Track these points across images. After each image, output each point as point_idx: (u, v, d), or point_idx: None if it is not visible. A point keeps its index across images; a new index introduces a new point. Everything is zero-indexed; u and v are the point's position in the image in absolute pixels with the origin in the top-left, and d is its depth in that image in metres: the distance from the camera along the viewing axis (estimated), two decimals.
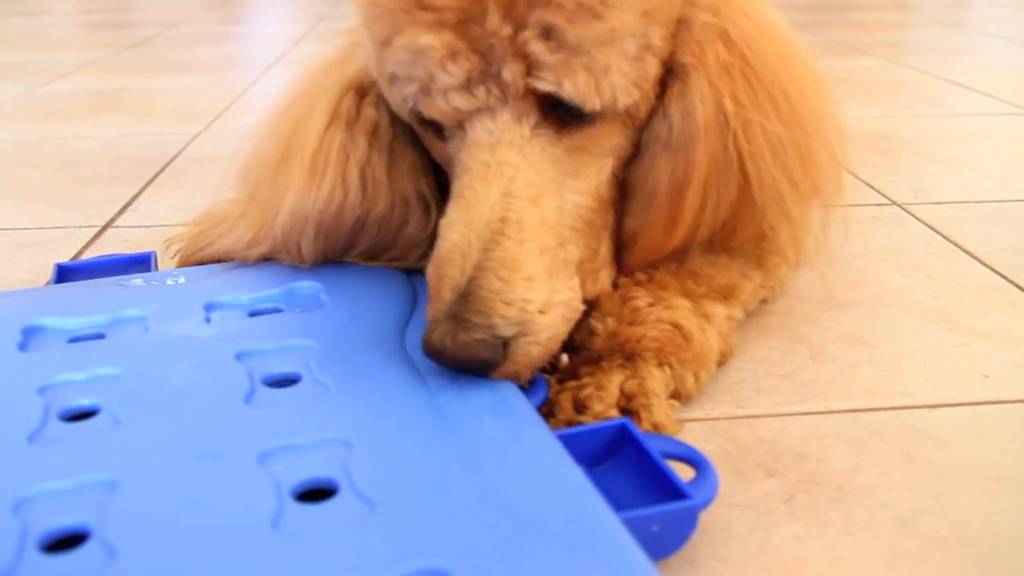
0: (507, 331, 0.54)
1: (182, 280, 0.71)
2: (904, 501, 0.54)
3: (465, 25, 0.55)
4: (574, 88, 0.56)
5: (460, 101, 0.57)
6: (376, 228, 0.69)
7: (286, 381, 0.57)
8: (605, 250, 0.65)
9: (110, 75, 2.00)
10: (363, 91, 0.69)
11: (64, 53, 2.33)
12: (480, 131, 0.58)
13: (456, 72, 0.56)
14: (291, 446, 0.49)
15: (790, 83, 0.64)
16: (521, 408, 0.53)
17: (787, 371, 0.68)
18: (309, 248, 0.69)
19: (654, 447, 0.51)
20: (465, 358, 0.54)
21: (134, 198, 1.11)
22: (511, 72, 0.56)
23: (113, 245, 0.95)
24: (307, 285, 0.69)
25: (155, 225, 1.01)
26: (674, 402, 0.59)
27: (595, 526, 0.43)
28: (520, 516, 0.43)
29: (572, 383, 0.58)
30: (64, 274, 0.77)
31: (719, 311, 0.65)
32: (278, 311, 0.67)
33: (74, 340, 0.63)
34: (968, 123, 1.48)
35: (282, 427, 0.51)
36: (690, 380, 0.61)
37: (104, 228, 1.01)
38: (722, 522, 0.52)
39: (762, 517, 0.52)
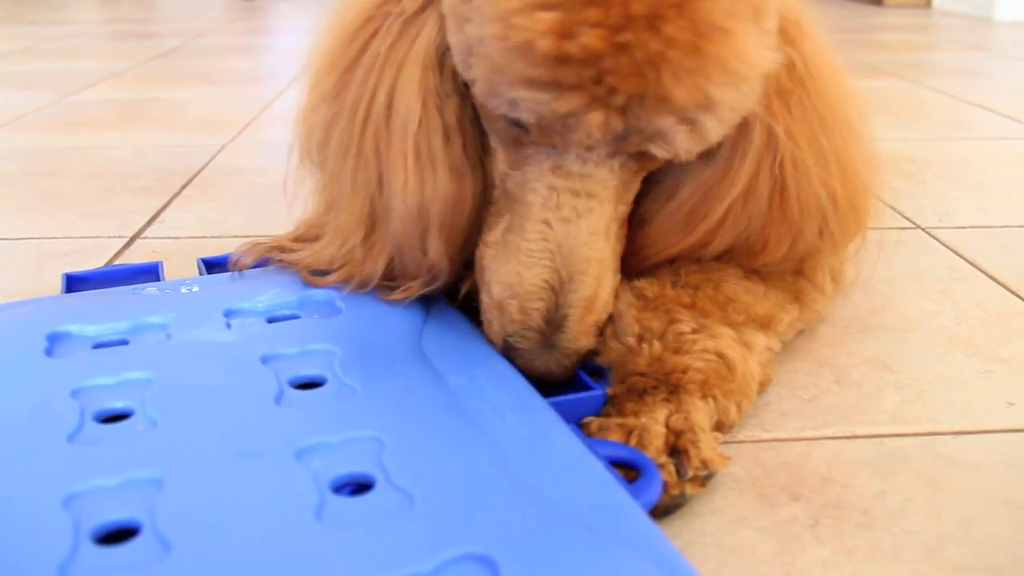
0: (588, 347, 0.62)
1: (196, 289, 0.72)
2: (930, 529, 0.54)
3: (626, 99, 0.53)
4: (687, 153, 0.57)
5: (576, 138, 0.56)
6: (478, 212, 0.66)
7: (312, 383, 0.59)
8: None
9: (136, 85, 2.02)
10: (442, 62, 0.62)
11: (91, 63, 2.35)
12: (574, 159, 0.58)
13: (598, 136, 0.55)
14: (325, 444, 0.51)
15: (840, 107, 0.66)
16: (539, 406, 0.56)
17: (811, 395, 0.69)
18: (437, 249, 0.65)
19: (600, 452, 0.53)
20: (563, 377, 0.61)
21: (162, 209, 1.13)
22: (639, 139, 0.56)
23: (142, 255, 0.96)
24: (322, 293, 0.70)
25: (183, 237, 1.02)
26: (718, 434, 0.59)
27: (621, 513, 0.46)
28: (551, 505, 0.46)
29: (617, 419, 0.58)
30: (72, 283, 0.78)
31: (759, 340, 0.65)
32: (296, 317, 0.68)
33: (98, 346, 0.64)
34: (992, 146, 1.48)
35: (315, 426, 0.53)
36: (733, 411, 0.61)
37: (132, 239, 1.02)
38: (748, 546, 0.52)
39: (788, 542, 0.52)
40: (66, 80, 2.07)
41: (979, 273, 0.93)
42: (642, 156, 0.59)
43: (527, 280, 0.60)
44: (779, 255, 0.68)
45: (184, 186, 1.23)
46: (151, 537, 0.43)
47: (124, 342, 0.64)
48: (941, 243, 1.01)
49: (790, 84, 0.63)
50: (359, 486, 0.48)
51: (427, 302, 0.69)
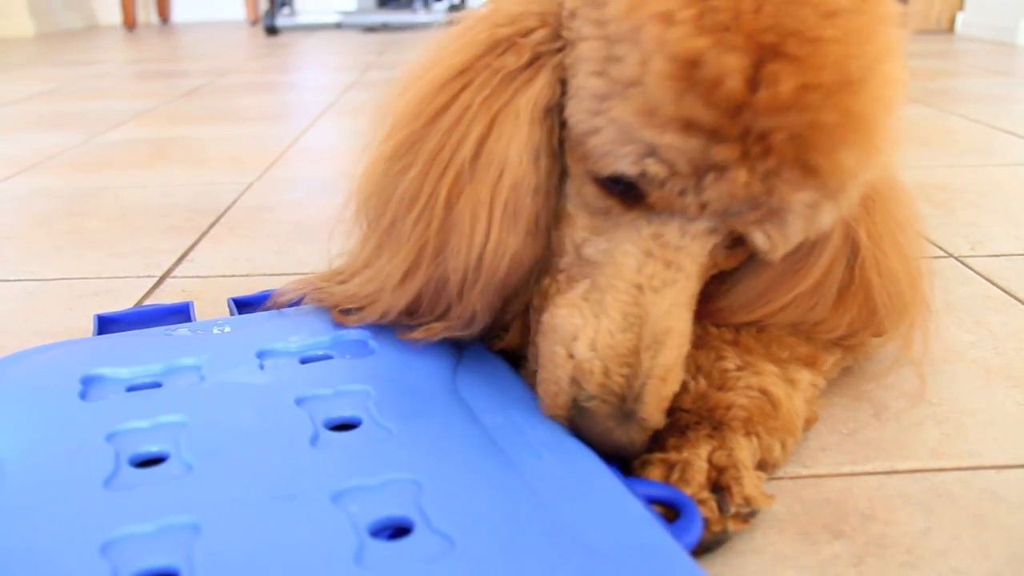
0: (661, 425, 0.58)
1: (228, 329, 0.72)
2: (978, 567, 0.52)
3: (776, 163, 0.51)
4: (785, 247, 0.56)
5: (705, 198, 0.53)
6: (529, 275, 0.65)
7: (347, 425, 0.59)
8: None
9: (163, 124, 2.04)
10: (549, 120, 0.60)
11: (118, 103, 2.38)
12: (676, 229, 0.57)
13: (740, 195, 0.52)
14: (363, 487, 0.50)
15: (906, 208, 0.67)
16: (575, 446, 0.55)
17: (850, 429, 0.68)
18: (486, 300, 0.63)
19: (639, 492, 0.52)
20: (637, 453, 0.57)
21: (191, 248, 1.13)
22: (758, 215, 0.54)
23: (172, 295, 0.97)
24: (355, 332, 0.70)
25: (212, 275, 1.03)
26: (761, 473, 0.58)
27: (663, 555, 0.45)
28: (591, 548, 0.45)
29: (659, 454, 0.57)
30: (104, 325, 0.78)
31: (804, 377, 0.65)
32: (328, 358, 0.68)
33: (132, 389, 0.64)
34: (1022, 172, 1.47)
35: (351, 468, 0.52)
36: (777, 449, 0.60)
37: (162, 278, 1.02)
38: None
39: None
40: (94, 120, 2.09)
41: (1015, 302, 0.91)
42: (734, 244, 0.58)
43: (620, 342, 0.56)
44: (835, 336, 0.69)
45: (212, 225, 1.23)
46: None
47: (158, 384, 0.64)
48: (975, 272, 1.00)
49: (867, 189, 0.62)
50: (398, 530, 0.47)
51: (460, 342, 0.68)
